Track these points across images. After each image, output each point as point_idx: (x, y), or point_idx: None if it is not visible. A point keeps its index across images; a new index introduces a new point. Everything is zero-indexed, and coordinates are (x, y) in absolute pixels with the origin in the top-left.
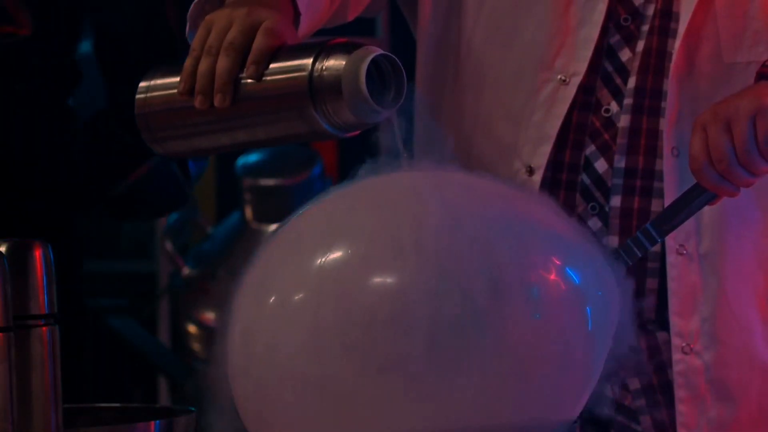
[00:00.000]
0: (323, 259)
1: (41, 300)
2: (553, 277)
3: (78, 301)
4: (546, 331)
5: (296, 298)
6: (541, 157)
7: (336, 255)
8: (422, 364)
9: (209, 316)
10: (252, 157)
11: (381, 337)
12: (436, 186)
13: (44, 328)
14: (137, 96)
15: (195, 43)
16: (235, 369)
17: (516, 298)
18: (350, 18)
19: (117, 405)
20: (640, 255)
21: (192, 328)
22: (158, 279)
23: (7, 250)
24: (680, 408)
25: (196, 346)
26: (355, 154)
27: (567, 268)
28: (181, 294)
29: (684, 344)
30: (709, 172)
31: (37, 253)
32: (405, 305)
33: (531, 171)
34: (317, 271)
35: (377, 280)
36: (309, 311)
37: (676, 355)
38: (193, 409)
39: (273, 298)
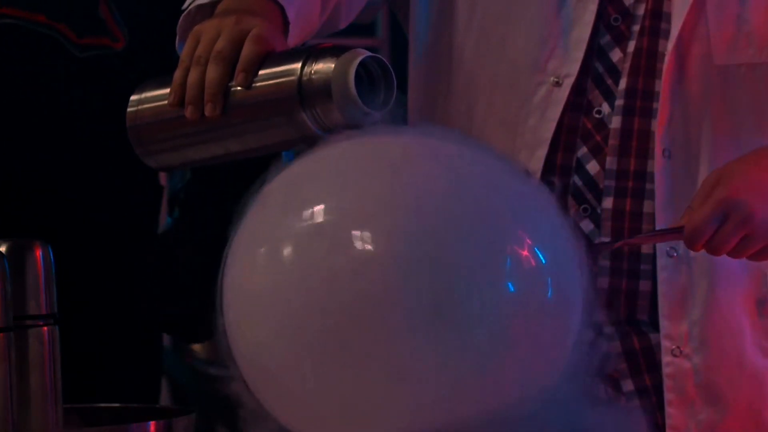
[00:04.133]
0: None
1: (41, 300)
2: (524, 253)
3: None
4: (513, 308)
5: (285, 252)
6: (537, 161)
7: (317, 218)
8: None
9: None
10: None
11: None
12: (410, 158)
13: (44, 328)
14: (128, 109)
15: (184, 54)
16: (231, 326)
17: (482, 281)
18: (342, 26)
19: (117, 405)
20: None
21: None
22: None
23: (7, 250)
24: (669, 410)
25: (196, 346)
26: None
27: (534, 247)
28: None
29: (674, 347)
30: (699, 244)
31: (37, 253)
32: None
33: (527, 176)
34: (305, 226)
35: (351, 251)
36: (304, 264)
37: (666, 358)
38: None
39: (263, 249)
